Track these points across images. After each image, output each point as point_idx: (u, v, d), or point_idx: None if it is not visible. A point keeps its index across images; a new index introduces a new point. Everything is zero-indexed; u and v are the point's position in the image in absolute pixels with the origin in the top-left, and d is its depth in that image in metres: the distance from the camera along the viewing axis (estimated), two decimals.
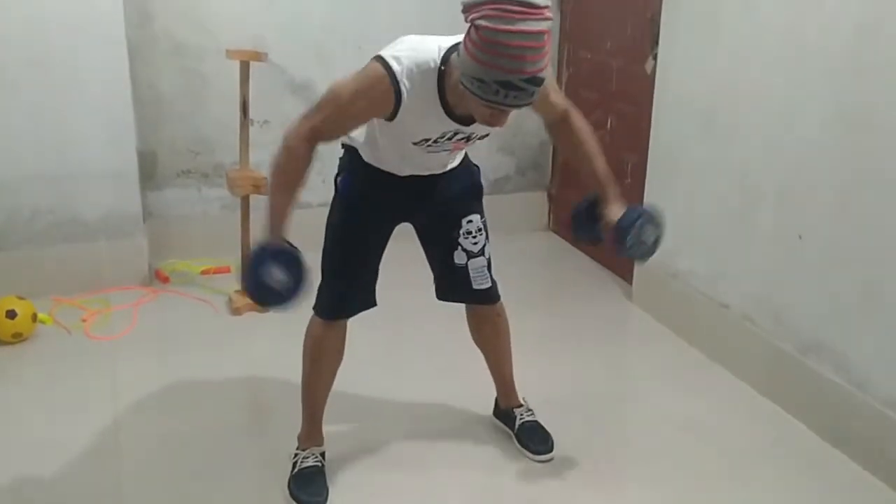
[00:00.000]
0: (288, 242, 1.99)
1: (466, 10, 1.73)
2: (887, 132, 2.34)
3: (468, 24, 1.74)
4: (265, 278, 1.91)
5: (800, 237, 2.66)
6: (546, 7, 1.70)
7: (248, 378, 2.96)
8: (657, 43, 3.33)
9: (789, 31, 2.65)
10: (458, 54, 1.81)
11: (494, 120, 1.85)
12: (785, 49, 2.68)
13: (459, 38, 1.87)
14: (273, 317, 3.37)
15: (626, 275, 3.76)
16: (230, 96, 3.44)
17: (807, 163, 2.63)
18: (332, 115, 1.97)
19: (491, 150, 4.34)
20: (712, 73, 3.03)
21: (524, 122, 4.39)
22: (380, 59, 1.93)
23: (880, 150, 2.36)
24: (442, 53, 1.92)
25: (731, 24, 2.90)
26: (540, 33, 1.69)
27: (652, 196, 3.47)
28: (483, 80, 1.73)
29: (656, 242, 2.18)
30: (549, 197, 4.60)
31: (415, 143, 2.07)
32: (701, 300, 3.17)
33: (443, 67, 1.91)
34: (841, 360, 2.55)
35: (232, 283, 3.60)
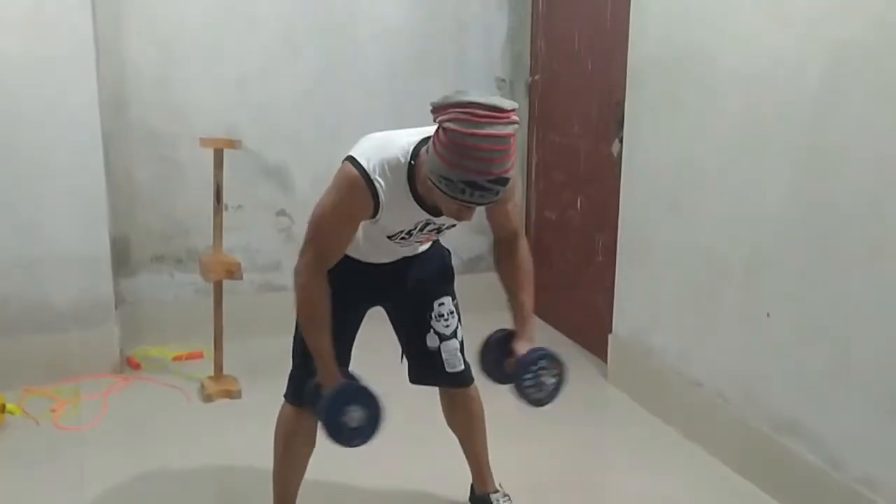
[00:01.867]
0: (347, 375, 2.09)
1: (435, 111, 1.79)
2: (844, 210, 2.40)
3: (436, 125, 1.79)
4: (347, 422, 1.98)
5: (768, 315, 2.70)
6: (513, 111, 1.75)
7: (220, 468, 2.90)
8: (622, 126, 3.43)
9: (748, 115, 2.74)
10: (427, 151, 1.85)
11: (461, 215, 1.89)
12: (744, 131, 2.76)
13: (425, 130, 1.93)
14: (245, 404, 3.38)
15: (601, 354, 3.77)
16: (204, 181, 3.47)
17: (770, 241, 2.69)
18: (324, 237, 2.02)
19: (464, 229, 4.32)
20: (676, 155, 3.11)
21: None
22: (351, 159, 1.97)
23: (839, 227, 2.43)
24: (411, 148, 1.96)
25: (692, 109, 3.00)
26: (506, 136, 1.74)
27: (623, 273, 3.52)
28: (450, 180, 1.77)
29: (556, 388, 2.14)
30: None
31: (389, 237, 2.12)
32: (674, 378, 3.19)
33: (412, 162, 1.95)
34: (814, 438, 2.56)
35: (204, 369, 3.57)
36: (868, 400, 2.37)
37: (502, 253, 2.29)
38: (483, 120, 1.72)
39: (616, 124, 3.53)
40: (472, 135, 1.72)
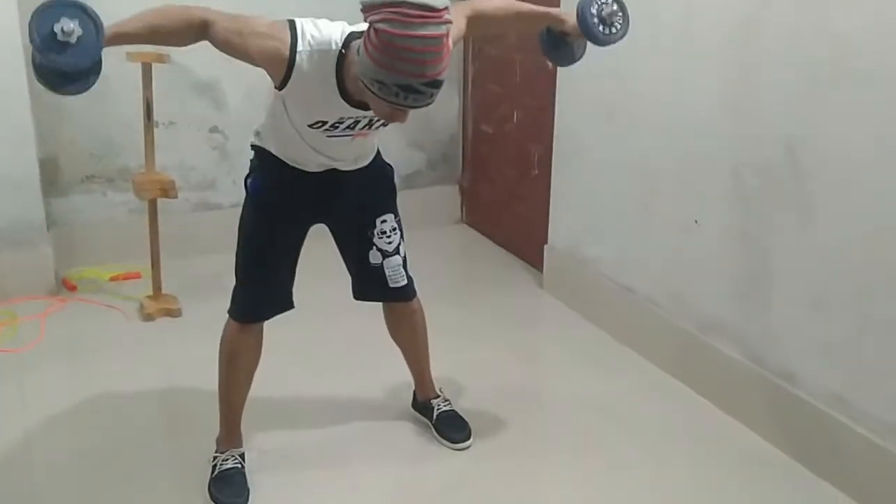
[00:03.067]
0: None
1: (366, 10, 1.74)
2: (769, 120, 2.48)
3: (367, 26, 1.75)
4: (53, 26, 1.72)
5: (696, 222, 2.80)
6: (444, 9, 1.72)
7: (164, 385, 2.93)
8: None
9: (680, 24, 2.78)
10: (359, 53, 1.81)
11: (395, 117, 1.86)
12: (676, 41, 2.81)
13: (361, 25, 1.88)
14: (186, 322, 3.38)
15: (537, 264, 3.86)
16: (133, 98, 3.37)
17: (699, 151, 2.77)
18: (229, 27, 1.93)
19: (401, 145, 4.38)
20: (610, 65, 3.13)
21: (433, 117, 4.46)
22: (291, 26, 1.92)
23: (763, 136, 2.51)
24: (344, 37, 1.92)
25: None
26: (439, 37, 1.71)
27: (558, 186, 3.58)
28: (383, 83, 1.75)
29: (624, 15, 2.18)
30: (461, 190, 4.67)
31: (311, 126, 2.06)
32: (608, 285, 3.30)
33: (343, 51, 1.91)
34: (738, 337, 2.70)
35: (142, 288, 3.55)
36: (788, 299, 2.50)
37: (476, 29, 2.22)
38: (415, 20, 1.68)
39: None
40: (405, 35, 1.68)
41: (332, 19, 2.00)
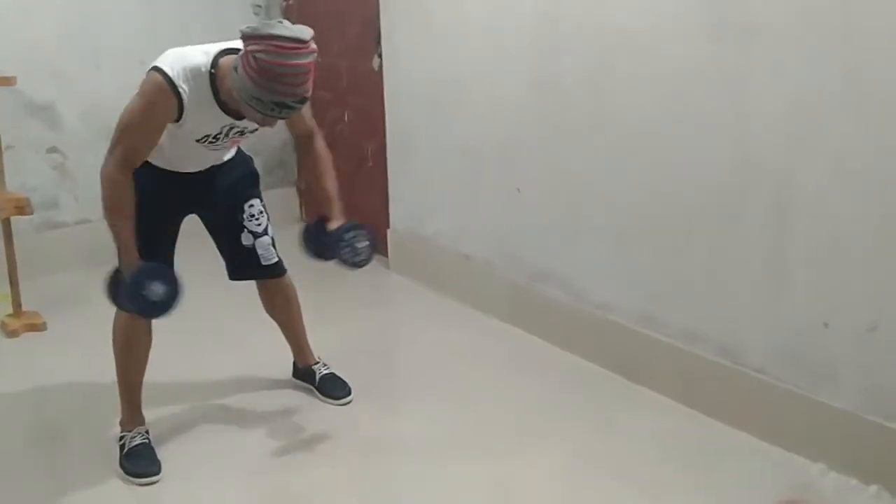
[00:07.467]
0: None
1: (245, 39, 2.08)
2: (572, 95, 3.00)
3: (245, 51, 2.08)
4: (150, 296, 2.19)
5: (518, 190, 3.29)
6: (311, 40, 2.10)
7: (40, 395, 2.98)
8: (379, 42, 3.84)
9: (489, 23, 3.27)
10: (237, 73, 2.12)
11: (267, 123, 2.24)
12: (486, 36, 3.30)
13: (220, 45, 2.24)
14: (52, 335, 3.46)
15: (382, 248, 4.21)
16: None
17: (515, 128, 3.26)
18: (131, 140, 2.24)
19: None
20: (431, 62, 3.59)
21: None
22: (156, 69, 2.21)
23: (569, 109, 3.03)
24: (210, 59, 2.24)
25: (441, 20, 3.48)
26: (308, 64, 2.10)
27: (394, 173, 3.98)
28: (261, 100, 2.10)
29: (369, 248, 2.54)
30: (298, 191, 4.96)
31: (198, 141, 2.36)
32: (448, 256, 3.73)
33: (213, 71, 2.23)
34: (563, 281, 3.21)
35: (2, 308, 3.58)
36: (600, 242, 3.03)
37: (303, 149, 2.64)
38: (289, 51, 2.05)
39: (373, 40, 3.93)
40: (281, 64, 2.04)
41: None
